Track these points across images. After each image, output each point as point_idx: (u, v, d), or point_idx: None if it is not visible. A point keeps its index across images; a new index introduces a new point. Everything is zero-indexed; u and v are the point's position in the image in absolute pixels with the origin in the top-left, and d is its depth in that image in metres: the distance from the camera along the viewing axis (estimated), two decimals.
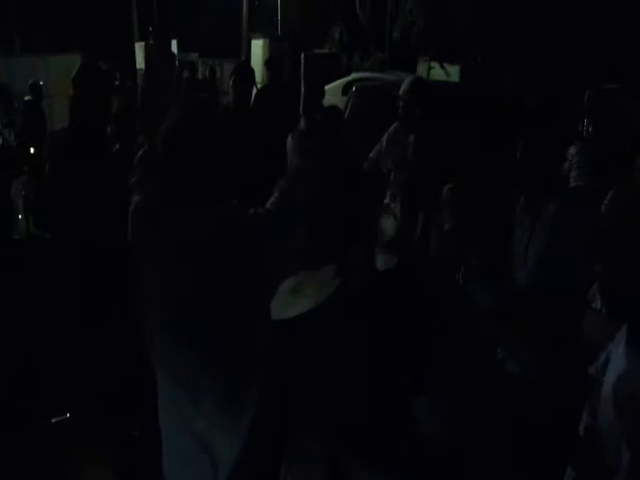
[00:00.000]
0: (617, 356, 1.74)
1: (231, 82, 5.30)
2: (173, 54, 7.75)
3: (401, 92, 4.47)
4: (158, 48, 7.01)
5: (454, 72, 14.61)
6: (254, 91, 6.36)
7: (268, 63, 7.13)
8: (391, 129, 4.62)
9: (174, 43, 15.08)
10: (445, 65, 14.97)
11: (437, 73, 14.52)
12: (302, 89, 9.01)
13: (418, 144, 3.60)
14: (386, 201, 4.38)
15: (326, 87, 12.82)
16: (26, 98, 9.45)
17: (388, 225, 4.04)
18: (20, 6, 18.18)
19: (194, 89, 10.55)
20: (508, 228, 2.97)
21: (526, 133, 2.74)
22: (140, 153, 3.42)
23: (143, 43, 7.13)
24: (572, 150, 4.52)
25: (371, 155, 4.61)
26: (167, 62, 6.97)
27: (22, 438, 1.97)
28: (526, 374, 2.67)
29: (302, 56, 16.73)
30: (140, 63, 14.50)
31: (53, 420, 1.95)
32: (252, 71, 5.53)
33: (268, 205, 2.07)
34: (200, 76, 13.36)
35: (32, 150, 7.44)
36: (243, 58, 17.64)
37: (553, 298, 2.59)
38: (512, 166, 2.79)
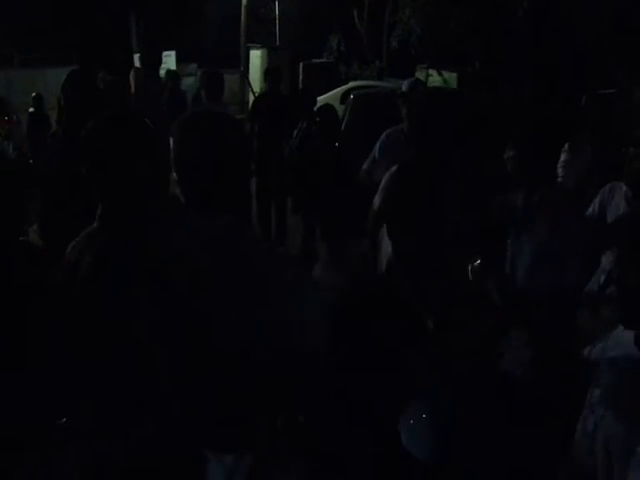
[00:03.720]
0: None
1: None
2: (160, 80, 7.88)
3: (403, 89, 4.46)
4: (148, 73, 7.10)
5: (452, 79, 14.67)
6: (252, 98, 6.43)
7: (266, 73, 7.22)
8: (382, 138, 4.55)
9: (172, 54, 15.10)
10: (443, 72, 15.03)
11: (435, 80, 14.58)
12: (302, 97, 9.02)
13: (426, 143, 3.50)
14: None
15: (324, 96, 12.90)
16: (30, 110, 9.49)
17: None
18: (19, 20, 18.27)
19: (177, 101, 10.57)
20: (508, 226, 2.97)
21: (523, 134, 2.76)
22: None
23: (132, 69, 7.24)
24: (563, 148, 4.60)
25: (364, 167, 4.56)
26: (156, 88, 7.13)
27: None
28: (526, 374, 2.69)
29: (300, 65, 16.81)
30: None
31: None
32: (221, 76, 5.71)
33: None
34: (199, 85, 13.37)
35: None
36: (242, 68, 17.71)
37: (550, 295, 2.61)
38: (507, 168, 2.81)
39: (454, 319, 2.86)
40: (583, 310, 2.63)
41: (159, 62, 7.92)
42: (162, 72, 13.52)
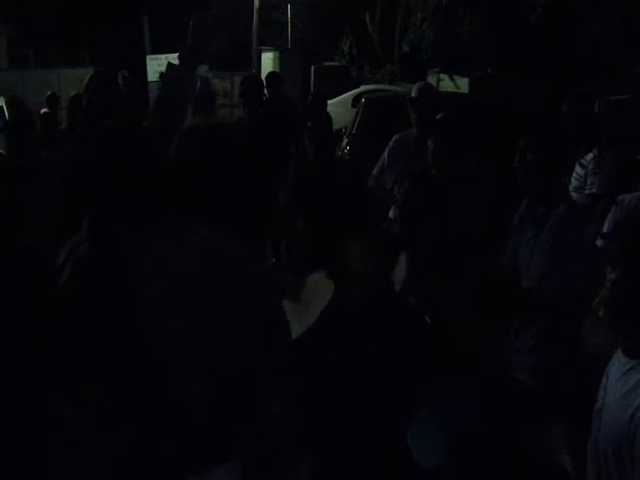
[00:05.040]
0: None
1: (240, 95, 5.39)
2: (197, 79, 7.71)
3: (412, 95, 4.45)
4: (185, 70, 6.99)
5: (463, 84, 14.65)
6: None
7: (267, 79, 7.13)
8: (391, 143, 4.53)
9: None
10: (454, 77, 15.01)
11: (447, 85, 14.55)
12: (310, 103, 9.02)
13: (438, 147, 3.48)
14: (390, 216, 4.35)
15: (336, 99, 12.91)
16: (42, 110, 9.48)
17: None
18: (34, 21, 18.42)
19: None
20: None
21: (532, 140, 2.74)
22: None
23: (168, 62, 7.07)
24: (589, 157, 4.48)
25: (373, 172, 4.54)
26: (189, 85, 7.00)
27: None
28: (532, 381, 2.67)
29: (312, 68, 16.83)
30: (151, 77, 14.62)
31: None
32: (260, 82, 5.58)
33: None
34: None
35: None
36: (253, 71, 17.75)
37: (557, 303, 2.59)
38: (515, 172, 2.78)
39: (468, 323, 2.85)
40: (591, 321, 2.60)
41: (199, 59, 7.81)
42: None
